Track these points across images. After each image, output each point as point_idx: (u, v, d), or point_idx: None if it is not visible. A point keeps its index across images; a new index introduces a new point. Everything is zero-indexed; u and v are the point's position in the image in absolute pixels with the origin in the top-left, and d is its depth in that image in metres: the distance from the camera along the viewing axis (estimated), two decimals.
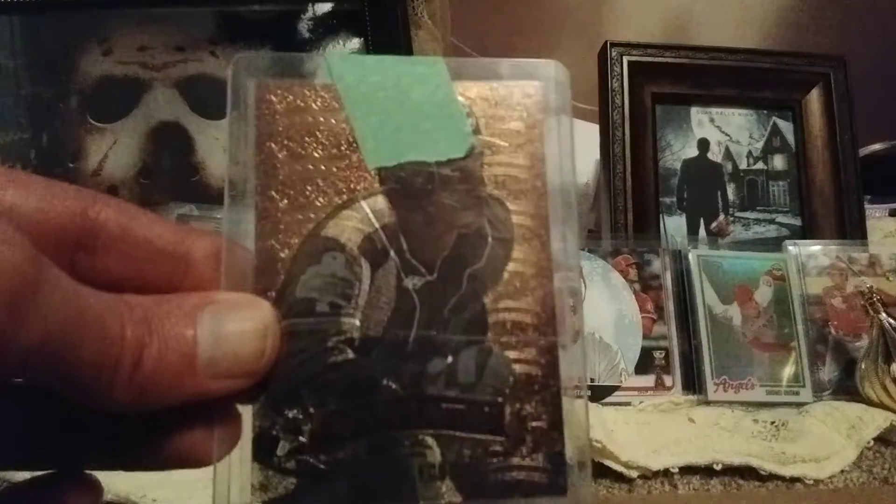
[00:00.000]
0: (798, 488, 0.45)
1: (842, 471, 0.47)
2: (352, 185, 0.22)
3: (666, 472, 0.46)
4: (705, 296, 0.58)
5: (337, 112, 0.22)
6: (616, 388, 0.55)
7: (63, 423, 0.20)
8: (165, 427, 0.19)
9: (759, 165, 0.73)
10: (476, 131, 0.23)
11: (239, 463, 0.20)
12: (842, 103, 0.73)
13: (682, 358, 0.57)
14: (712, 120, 0.73)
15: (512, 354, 0.21)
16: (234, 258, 0.20)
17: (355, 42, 0.76)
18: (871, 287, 0.58)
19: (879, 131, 0.99)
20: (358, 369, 0.21)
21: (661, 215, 0.69)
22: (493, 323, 0.21)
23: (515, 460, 0.21)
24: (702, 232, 0.70)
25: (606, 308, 0.57)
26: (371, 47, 0.76)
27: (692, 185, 0.71)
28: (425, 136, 0.22)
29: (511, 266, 0.22)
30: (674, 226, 0.69)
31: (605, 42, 0.70)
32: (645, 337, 0.57)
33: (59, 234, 0.18)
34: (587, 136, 0.85)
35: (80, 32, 0.69)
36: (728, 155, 0.73)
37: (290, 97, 0.22)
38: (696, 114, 0.73)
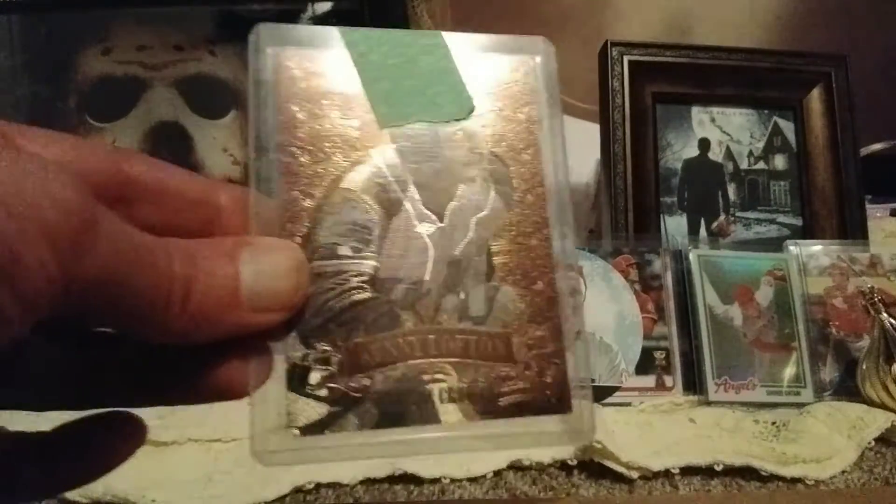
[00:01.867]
0: (799, 489, 0.45)
1: (843, 471, 0.47)
2: (366, 143, 0.24)
3: (667, 473, 0.46)
4: (706, 296, 0.58)
5: (350, 78, 0.24)
6: (616, 388, 0.55)
7: (108, 365, 0.21)
8: (204, 363, 0.20)
9: (760, 165, 0.73)
10: (475, 96, 0.26)
11: (274, 393, 0.22)
12: (843, 103, 0.72)
13: (682, 358, 0.57)
14: (713, 119, 0.72)
15: (517, 291, 0.24)
16: (261, 207, 0.22)
17: None
18: (873, 287, 0.58)
19: (880, 131, 0.99)
20: (380, 305, 0.23)
21: (661, 215, 0.69)
22: (499, 264, 0.24)
23: (524, 383, 0.23)
24: (702, 232, 0.70)
25: (607, 308, 0.57)
26: None
27: (693, 184, 0.71)
28: (431, 100, 0.25)
29: (512, 215, 0.25)
30: (674, 226, 0.69)
31: (606, 41, 0.70)
32: (645, 337, 0.57)
33: (98, 186, 0.19)
34: (587, 136, 0.85)
35: (79, 32, 0.69)
36: (729, 155, 0.72)
37: (307, 64, 0.24)
38: (697, 113, 0.72)
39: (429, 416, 0.22)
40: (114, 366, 0.21)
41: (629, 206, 0.67)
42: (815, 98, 0.73)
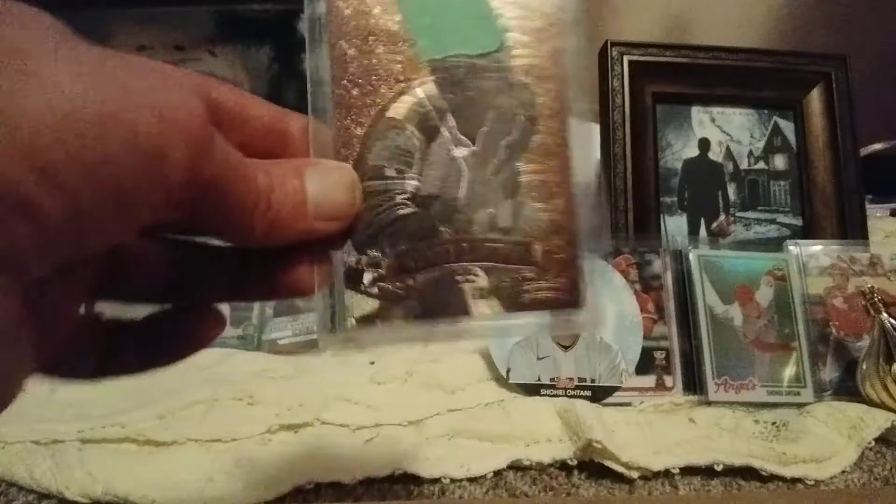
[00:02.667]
0: (799, 489, 0.45)
1: (843, 471, 0.47)
2: (408, 75, 0.28)
3: (667, 473, 0.46)
4: (706, 296, 0.58)
5: (394, 14, 0.28)
6: (617, 388, 0.55)
7: (194, 265, 0.25)
8: (278, 265, 0.24)
9: (760, 165, 0.73)
10: (506, 30, 0.28)
11: (335, 291, 0.26)
12: (843, 103, 0.72)
13: (682, 358, 0.57)
14: (713, 119, 0.73)
15: (539, 205, 0.28)
16: (319, 134, 0.26)
17: None
18: (873, 287, 0.58)
19: (880, 131, 0.99)
20: (421, 219, 0.27)
21: (661, 215, 0.69)
22: (525, 182, 0.28)
23: (544, 283, 0.27)
24: (702, 232, 0.70)
25: (607, 308, 0.57)
26: None
27: (693, 184, 0.71)
28: (466, 33, 0.28)
29: (537, 138, 0.28)
30: (674, 226, 0.69)
31: (606, 41, 0.70)
32: (645, 337, 0.57)
33: None
34: (587, 136, 0.85)
35: (79, 32, 0.69)
36: (729, 155, 0.72)
37: (356, 3, 0.28)
38: (697, 113, 0.72)
39: (462, 310, 0.27)
40: (199, 266, 0.25)
41: (629, 206, 0.67)
42: (815, 98, 0.73)
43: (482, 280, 0.28)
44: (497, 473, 0.45)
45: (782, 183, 0.72)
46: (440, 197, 0.28)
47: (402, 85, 0.27)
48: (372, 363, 0.58)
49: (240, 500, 0.42)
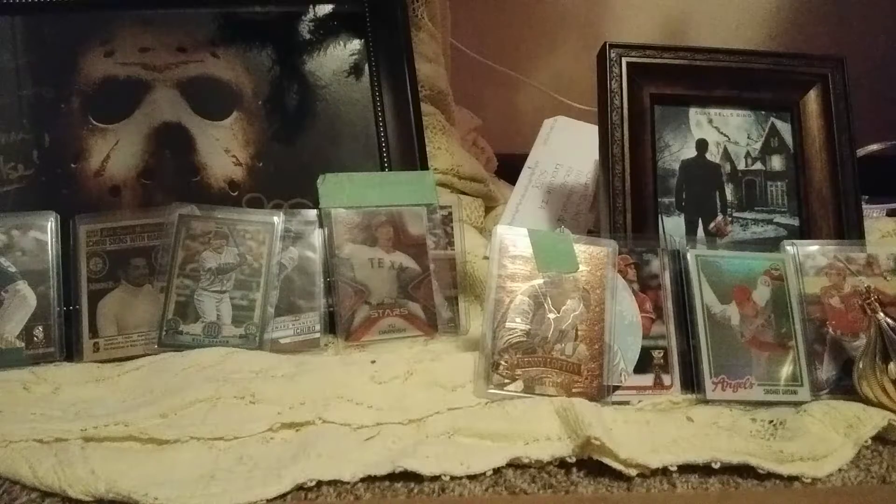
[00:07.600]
0: (796, 487, 0.46)
1: (839, 469, 0.47)
2: (531, 276, 0.57)
3: (665, 471, 0.46)
4: (704, 296, 0.58)
5: (529, 249, 0.58)
6: (616, 387, 0.55)
7: None
8: None
9: (758, 166, 0.73)
10: (580, 262, 0.59)
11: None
12: (840, 104, 0.73)
13: (680, 357, 0.57)
14: (710, 121, 0.73)
15: (585, 347, 0.56)
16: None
17: (356, 43, 0.76)
18: (869, 287, 0.58)
19: (877, 131, 1.00)
20: (528, 344, 0.54)
21: (659, 215, 0.70)
22: (580, 334, 0.57)
23: (584, 385, 0.55)
24: (700, 232, 0.70)
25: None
26: (371, 48, 0.76)
27: (691, 185, 0.71)
28: (561, 261, 0.58)
29: (589, 312, 0.57)
30: (672, 226, 0.70)
31: (605, 43, 0.71)
32: (644, 337, 0.57)
33: None
34: (586, 137, 0.85)
35: (83, 33, 0.69)
36: (726, 155, 0.73)
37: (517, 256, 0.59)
38: (695, 114, 0.73)
39: (541, 391, 0.54)
40: None
41: (627, 206, 0.67)
42: (812, 99, 0.74)
43: (555, 377, 0.54)
44: (496, 471, 0.46)
45: (779, 183, 0.73)
46: (538, 336, 0.54)
47: (530, 281, 0.56)
48: (373, 362, 0.59)
49: (242, 497, 0.42)
